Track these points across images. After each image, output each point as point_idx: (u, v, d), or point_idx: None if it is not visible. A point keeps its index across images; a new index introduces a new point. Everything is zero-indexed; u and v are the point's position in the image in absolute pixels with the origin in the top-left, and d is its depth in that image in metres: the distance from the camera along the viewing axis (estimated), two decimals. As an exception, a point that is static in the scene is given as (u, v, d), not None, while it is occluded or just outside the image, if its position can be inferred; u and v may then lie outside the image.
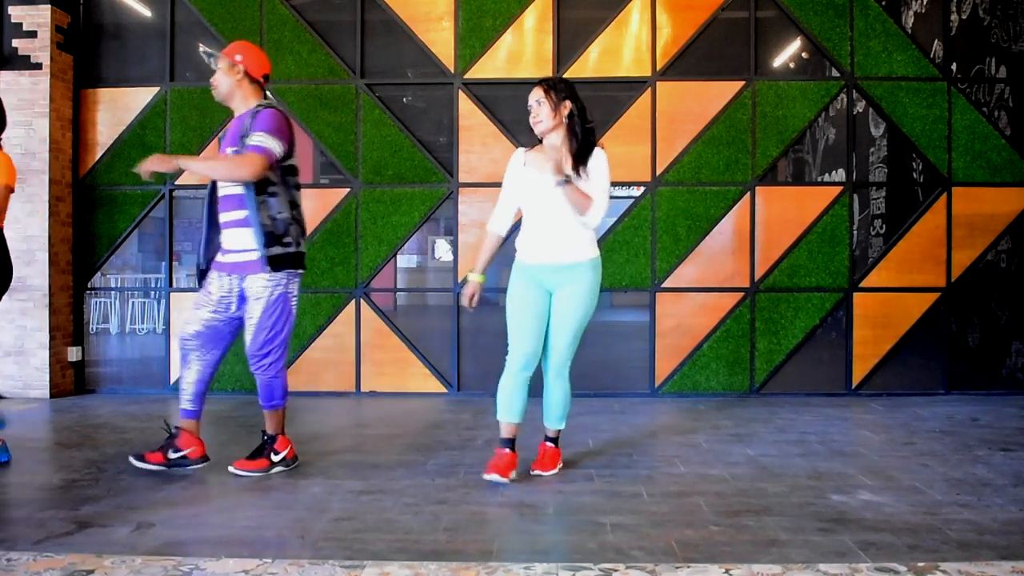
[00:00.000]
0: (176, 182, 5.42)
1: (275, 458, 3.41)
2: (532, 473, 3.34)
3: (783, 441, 3.94)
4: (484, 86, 5.37)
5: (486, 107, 5.35)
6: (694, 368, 5.27)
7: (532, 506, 2.89)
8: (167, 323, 5.50)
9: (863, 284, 5.27)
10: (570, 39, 5.34)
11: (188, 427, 3.43)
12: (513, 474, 3.20)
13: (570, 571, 2.26)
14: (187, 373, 3.45)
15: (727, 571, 2.26)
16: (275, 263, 3.24)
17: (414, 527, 2.66)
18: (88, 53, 5.52)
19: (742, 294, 5.27)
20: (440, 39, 5.37)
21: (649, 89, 5.27)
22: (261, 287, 3.26)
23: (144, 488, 3.12)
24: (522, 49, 5.36)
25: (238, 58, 3.41)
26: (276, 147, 3.23)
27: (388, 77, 5.48)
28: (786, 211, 5.28)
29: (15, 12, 5.19)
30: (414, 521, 2.73)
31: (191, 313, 3.42)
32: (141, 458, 3.36)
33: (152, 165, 3.17)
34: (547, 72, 5.30)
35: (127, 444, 3.88)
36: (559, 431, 3.44)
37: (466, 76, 5.35)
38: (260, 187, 3.23)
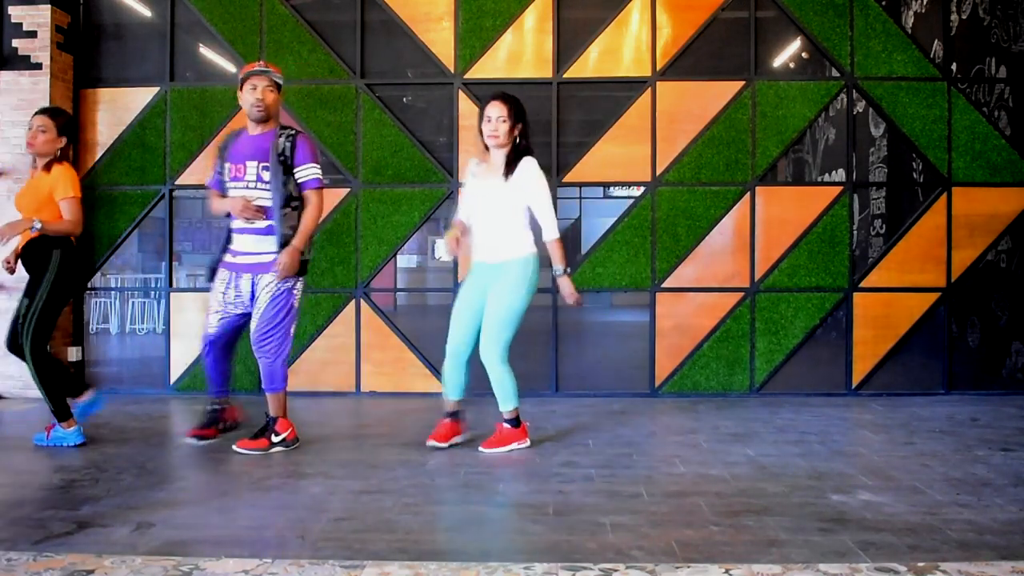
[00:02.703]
0: (176, 182, 5.42)
1: (275, 439, 3.69)
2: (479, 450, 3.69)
3: (783, 441, 3.94)
4: (484, 86, 5.36)
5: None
6: (694, 368, 5.27)
7: (532, 506, 2.88)
8: (167, 323, 5.49)
9: (863, 284, 5.27)
10: (570, 39, 5.34)
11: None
12: (453, 441, 3.78)
13: (570, 571, 2.26)
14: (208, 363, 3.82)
15: (727, 571, 2.26)
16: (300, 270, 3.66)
17: (414, 527, 2.66)
18: (88, 53, 5.52)
19: (742, 294, 5.27)
20: (440, 39, 5.37)
21: (649, 89, 5.27)
22: (272, 283, 3.59)
23: (144, 488, 3.12)
24: (522, 49, 5.36)
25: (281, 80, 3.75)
26: (320, 174, 3.72)
27: (388, 77, 5.47)
28: (786, 211, 5.28)
29: (15, 12, 5.19)
30: (414, 521, 2.73)
31: (209, 317, 3.75)
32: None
33: (286, 265, 3.55)
34: (547, 72, 5.30)
35: (127, 444, 3.88)
36: (503, 412, 3.78)
37: (466, 76, 5.35)
38: (285, 201, 3.61)
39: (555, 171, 5.34)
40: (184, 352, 5.41)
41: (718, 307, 5.27)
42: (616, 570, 2.26)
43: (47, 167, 3.81)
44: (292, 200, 3.63)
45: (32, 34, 5.18)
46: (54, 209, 3.77)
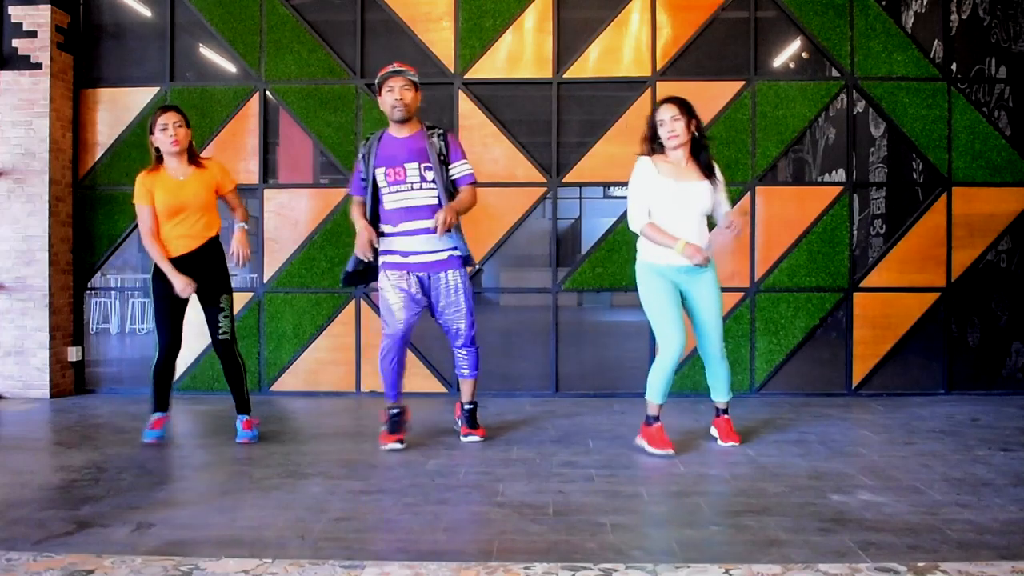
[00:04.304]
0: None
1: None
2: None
3: (783, 441, 3.94)
4: (484, 86, 5.37)
5: (486, 107, 5.35)
6: (694, 368, 5.26)
7: (532, 506, 2.88)
8: (167, 323, 5.48)
9: (863, 284, 5.27)
10: (570, 39, 5.34)
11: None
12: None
13: (570, 571, 2.26)
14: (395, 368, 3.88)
15: (727, 571, 2.26)
16: (467, 261, 3.85)
17: (414, 527, 2.67)
18: (88, 53, 5.52)
19: (742, 294, 5.27)
20: (440, 39, 5.37)
21: (649, 89, 5.27)
22: (456, 277, 3.78)
23: (144, 488, 3.13)
24: (522, 49, 5.36)
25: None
26: (473, 169, 3.87)
27: (388, 77, 5.47)
28: (786, 211, 5.28)
29: (15, 12, 5.19)
30: (414, 521, 2.73)
31: (388, 319, 3.80)
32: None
33: (451, 221, 3.63)
34: (547, 72, 5.31)
35: (127, 444, 3.88)
36: (725, 403, 3.93)
37: (466, 76, 5.35)
38: (450, 197, 3.74)
39: (555, 171, 5.34)
40: (184, 352, 5.35)
41: (718, 307, 5.27)
42: (616, 570, 2.27)
43: (192, 160, 3.91)
44: (453, 196, 3.75)
45: (32, 34, 5.18)
46: (216, 202, 3.95)
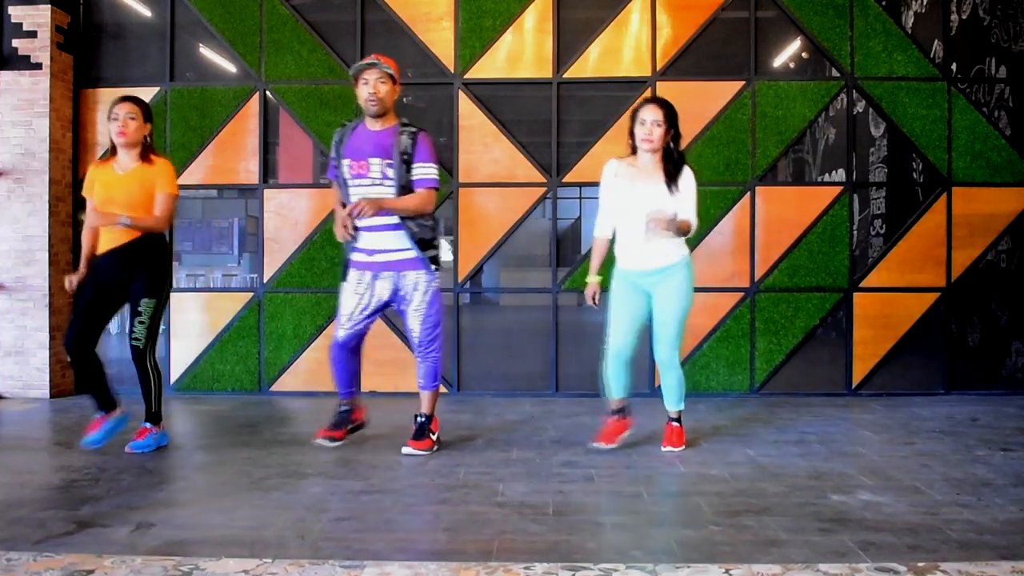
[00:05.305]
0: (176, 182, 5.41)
1: (433, 437, 3.74)
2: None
3: (783, 441, 3.94)
4: (484, 86, 5.37)
5: (486, 107, 5.35)
6: (694, 368, 5.26)
7: (532, 506, 2.88)
8: (167, 323, 5.48)
9: (863, 284, 5.27)
10: (570, 39, 5.34)
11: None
12: (621, 439, 3.80)
13: (570, 571, 2.26)
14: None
15: (727, 571, 2.26)
16: (435, 262, 3.67)
17: (414, 527, 2.67)
18: (88, 53, 5.52)
19: (742, 294, 5.27)
20: (440, 39, 5.36)
21: (649, 89, 5.27)
22: (425, 282, 3.63)
23: (144, 488, 3.12)
24: (522, 49, 5.35)
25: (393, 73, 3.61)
26: (436, 176, 3.67)
27: (388, 77, 5.46)
28: (786, 211, 5.27)
29: (15, 12, 5.18)
30: (414, 521, 2.73)
31: (338, 320, 3.75)
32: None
33: (365, 211, 3.45)
34: (547, 72, 5.30)
35: (127, 444, 3.87)
36: (677, 411, 3.84)
37: (466, 76, 5.35)
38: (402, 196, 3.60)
39: (555, 171, 5.34)
40: (184, 352, 5.41)
41: (718, 307, 5.27)
42: (616, 570, 2.26)
43: (143, 157, 3.69)
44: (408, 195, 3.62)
45: (32, 34, 5.18)
46: (151, 202, 3.68)
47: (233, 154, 5.39)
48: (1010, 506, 2.86)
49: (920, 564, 2.30)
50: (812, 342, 5.32)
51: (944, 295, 5.25)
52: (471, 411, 4.79)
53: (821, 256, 5.25)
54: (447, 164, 5.35)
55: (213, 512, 2.83)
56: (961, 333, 5.40)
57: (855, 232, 5.57)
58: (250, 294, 5.46)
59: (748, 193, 5.26)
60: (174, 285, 5.56)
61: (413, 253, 3.61)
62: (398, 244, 3.61)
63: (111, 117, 3.63)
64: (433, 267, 3.66)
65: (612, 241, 3.77)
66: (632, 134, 3.63)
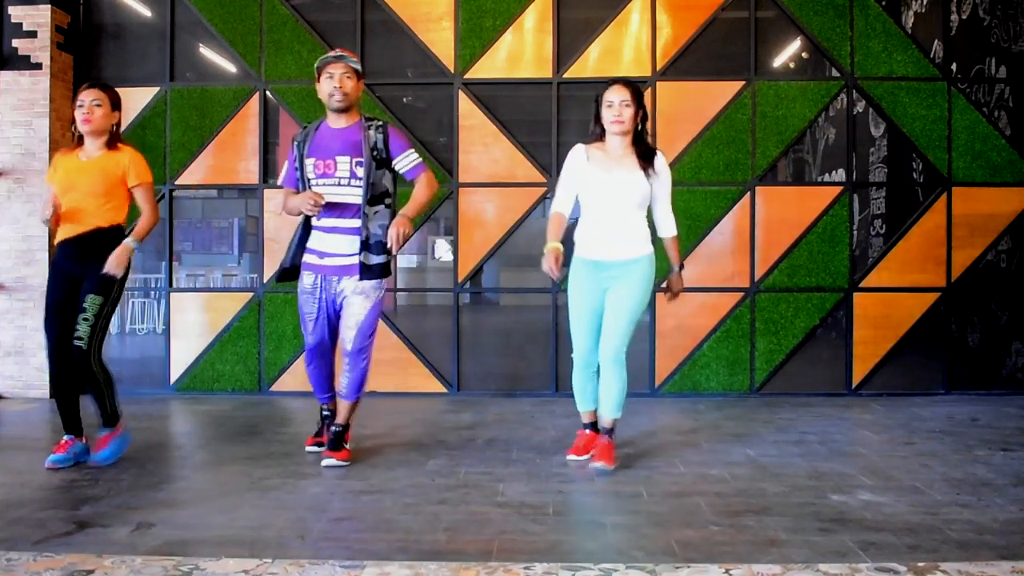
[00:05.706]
0: (176, 182, 5.42)
1: (348, 447, 3.58)
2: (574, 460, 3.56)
3: (783, 441, 3.94)
4: (484, 86, 5.37)
5: (486, 107, 5.35)
6: (694, 368, 5.26)
7: (532, 506, 2.89)
8: (167, 323, 5.49)
9: (863, 284, 5.27)
10: (570, 39, 5.34)
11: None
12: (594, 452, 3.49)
13: (570, 571, 2.26)
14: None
15: (727, 571, 2.26)
16: (385, 271, 3.51)
17: (414, 527, 2.67)
18: (88, 53, 5.52)
19: (742, 294, 5.27)
20: (440, 39, 5.36)
21: (649, 89, 5.27)
22: (371, 288, 3.48)
23: (144, 488, 3.12)
24: (522, 49, 5.35)
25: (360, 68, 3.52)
26: (420, 158, 3.55)
27: (388, 77, 5.47)
28: (786, 211, 5.27)
29: (15, 12, 5.19)
30: (414, 521, 2.73)
31: (304, 327, 3.62)
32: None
33: (402, 234, 3.34)
34: (547, 72, 5.30)
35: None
36: (614, 419, 3.50)
37: (466, 76, 5.35)
38: (379, 197, 3.49)
39: (555, 171, 5.33)
40: (184, 352, 5.41)
41: (718, 307, 5.27)
42: (616, 570, 2.27)
43: (109, 145, 3.54)
44: (387, 196, 3.51)
45: (32, 34, 5.18)
46: (122, 193, 3.56)
47: (233, 154, 5.39)
48: (1010, 506, 2.86)
49: (920, 564, 2.30)
50: (812, 342, 5.32)
51: (944, 295, 5.25)
52: (471, 411, 4.79)
53: (821, 256, 5.25)
54: (447, 164, 5.36)
55: (213, 512, 2.83)
56: (961, 333, 5.40)
57: (855, 232, 5.57)
58: (250, 294, 5.46)
59: (748, 193, 5.26)
60: (175, 285, 5.59)
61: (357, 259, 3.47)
62: (350, 249, 3.47)
63: (76, 104, 3.49)
64: (382, 275, 3.52)
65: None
66: (598, 119, 3.47)
